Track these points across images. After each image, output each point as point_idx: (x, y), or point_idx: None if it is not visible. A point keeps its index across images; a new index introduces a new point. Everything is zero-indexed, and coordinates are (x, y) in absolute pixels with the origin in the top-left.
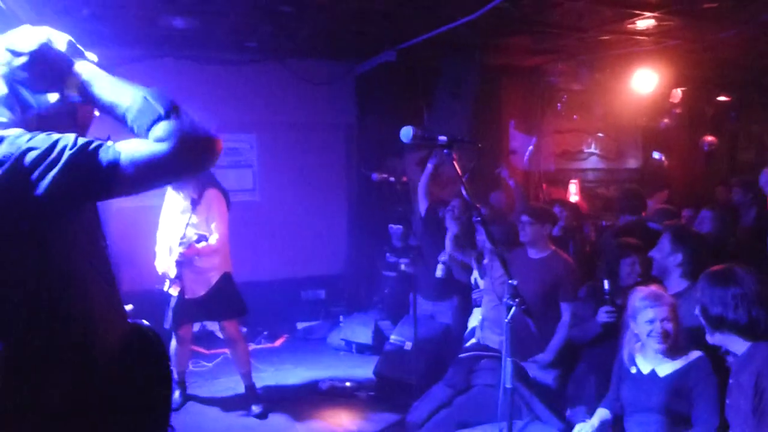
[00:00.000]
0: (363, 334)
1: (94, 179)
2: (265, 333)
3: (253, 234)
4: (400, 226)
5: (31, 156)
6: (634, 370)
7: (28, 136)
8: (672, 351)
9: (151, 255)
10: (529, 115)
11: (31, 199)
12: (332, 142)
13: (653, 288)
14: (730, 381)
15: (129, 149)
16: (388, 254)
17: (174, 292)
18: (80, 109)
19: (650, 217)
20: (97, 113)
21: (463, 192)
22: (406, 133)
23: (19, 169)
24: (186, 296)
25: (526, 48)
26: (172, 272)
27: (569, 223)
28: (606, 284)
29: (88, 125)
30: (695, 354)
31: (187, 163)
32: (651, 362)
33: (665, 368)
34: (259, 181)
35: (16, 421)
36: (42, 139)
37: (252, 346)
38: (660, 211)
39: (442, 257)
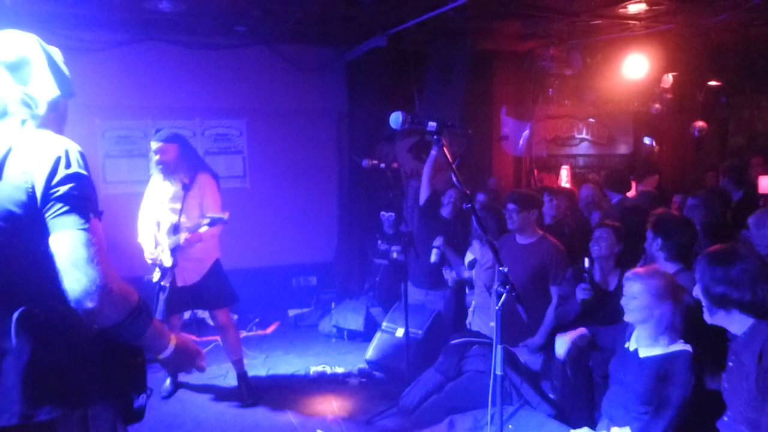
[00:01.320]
0: (354, 321)
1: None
2: (257, 320)
3: (243, 221)
4: (392, 213)
5: None
6: (626, 345)
7: None
8: (660, 335)
9: (137, 242)
10: (520, 100)
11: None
12: (323, 128)
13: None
14: (729, 363)
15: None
16: (379, 241)
17: (165, 282)
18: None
19: (633, 199)
20: None
21: (454, 179)
22: (396, 119)
23: None
24: (179, 284)
25: (517, 33)
26: (168, 261)
27: (560, 212)
28: (586, 262)
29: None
30: (680, 346)
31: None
32: (639, 342)
33: (647, 351)
34: (249, 167)
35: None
36: None
37: (243, 334)
38: (643, 193)
39: (437, 242)
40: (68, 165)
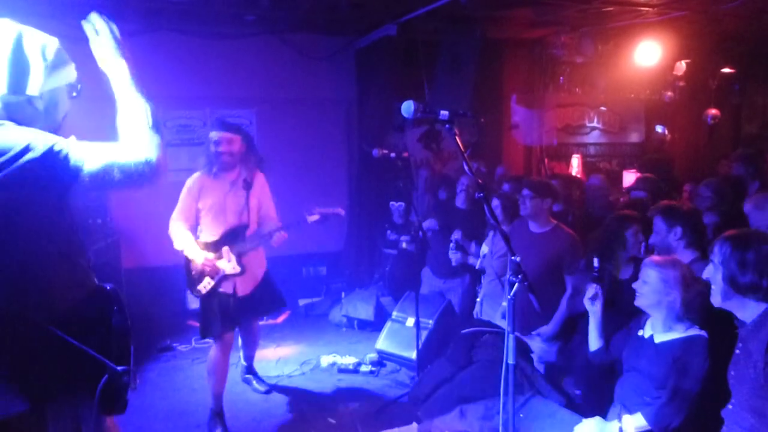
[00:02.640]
0: (364, 311)
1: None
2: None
3: None
4: (401, 203)
5: None
6: (640, 333)
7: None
8: (674, 321)
9: (155, 233)
10: (531, 88)
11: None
12: (332, 118)
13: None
14: (736, 351)
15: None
16: (388, 231)
17: (222, 290)
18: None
19: (633, 186)
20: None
21: (465, 167)
22: (408, 107)
23: None
24: (239, 294)
25: (528, 20)
26: (234, 268)
27: (568, 199)
28: (596, 261)
29: None
30: (695, 331)
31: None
32: (654, 328)
33: (663, 336)
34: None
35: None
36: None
37: None
38: (641, 179)
39: (455, 235)
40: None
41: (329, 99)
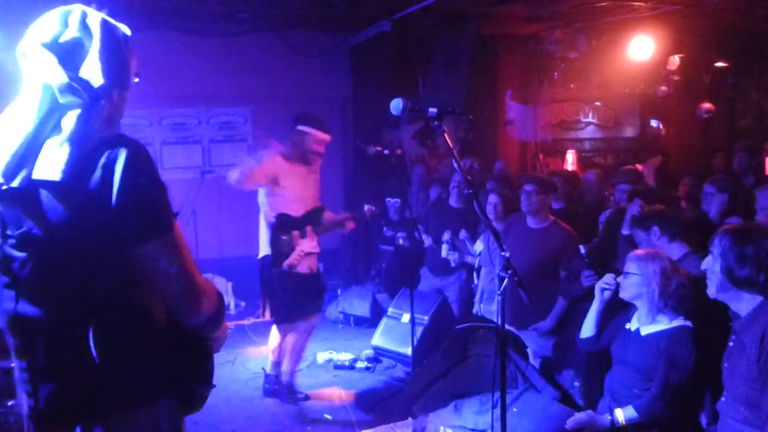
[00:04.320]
0: (360, 307)
1: None
2: (259, 311)
3: (248, 208)
4: (397, 200)
5: None
6: (628, 326)
7: None
8: (657, 313)
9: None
10: (525, 84)
11: None
12: (327, 115)
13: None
14: (730, 343)
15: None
16: (385, 228)
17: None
18: None
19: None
20: None
21: (455, 165)
22: (396, 105)
23: None
24: (314, 274)
25: (522, 16)
26: (315, 247)
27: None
28: (581, 249)
29: None
30: (680, 322)
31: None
32: (640, 321)
33: (648, 328)
34: (253, 154)
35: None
36: None
37: (251, 320)
38: (624, 171)
39: (445, 236)
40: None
41: (324, 96)
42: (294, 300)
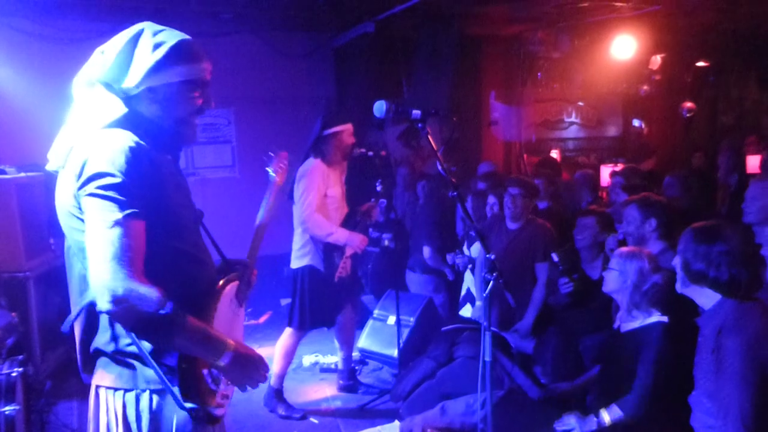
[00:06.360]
0: None
1: None
2: (249, 310)
3: (233, 211)
4: (384, 200)
5: None
6: (614, 326)
7: None
8: (634, 309)
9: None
10: (509, 84)
11: None
12: (311, 116)
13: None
14: (699, 338)
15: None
16: (370, 229)
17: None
18: None
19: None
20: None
21: (439, 167)
22: (379, 107)
23: None
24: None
25: (505, 16)
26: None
27: (547, 192)
28: (554, 257)
29: None
30: (656, 318)
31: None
32: (621, 318)
33: (627, 325)
34: (238, 157)
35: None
36: None
37: None
38: (625, 168)
39: (426, 254)
40: (97, 161)
41: (308, 97)
42: (333, 304)
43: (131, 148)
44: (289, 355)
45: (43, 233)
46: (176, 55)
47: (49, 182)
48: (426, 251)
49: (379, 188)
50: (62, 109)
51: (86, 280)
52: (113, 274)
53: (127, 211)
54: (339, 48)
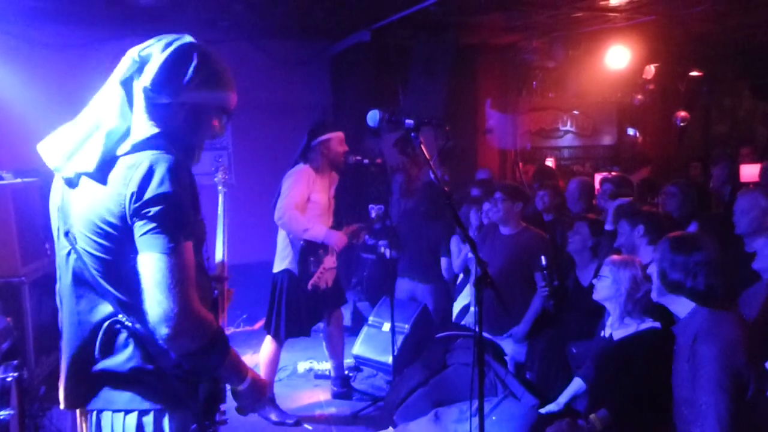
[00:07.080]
0: None
1: None
2: (244, 316)
3: (229, 217)
4: (381, 206)
5: None
6: (602, 334)
7: None
8: (625, 317)
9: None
10: (504, 93)
11: None
12: (307, 124)
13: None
14: (675, 347)
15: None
16: (366, 236)
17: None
18: None
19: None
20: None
21: (432, 176)
22: (373, 117)
23: None
24: (323, 287)
25: (500, 26)
26: (334, 262)
27: (552, 204)
28: (543, 260)
29: None
30: (648, 324)
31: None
32: (612, 325)
33: (618, 333)
34: (234, 163)
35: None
36: None
37: (231, 330)
38: (615, 176)
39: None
40: (160, 183)
41: (304, 105)
42: (307, 314)
43: (184, 168)
44: (274, 363)
45: (39, 238)
46: (219, 80)
47: (44, 188)
48: (443, 262)
49: (373, 215)
50: (58, 114)
51: (96, 296)
52: (177, 304)
53: (187, 236)
54: (335, 56)
